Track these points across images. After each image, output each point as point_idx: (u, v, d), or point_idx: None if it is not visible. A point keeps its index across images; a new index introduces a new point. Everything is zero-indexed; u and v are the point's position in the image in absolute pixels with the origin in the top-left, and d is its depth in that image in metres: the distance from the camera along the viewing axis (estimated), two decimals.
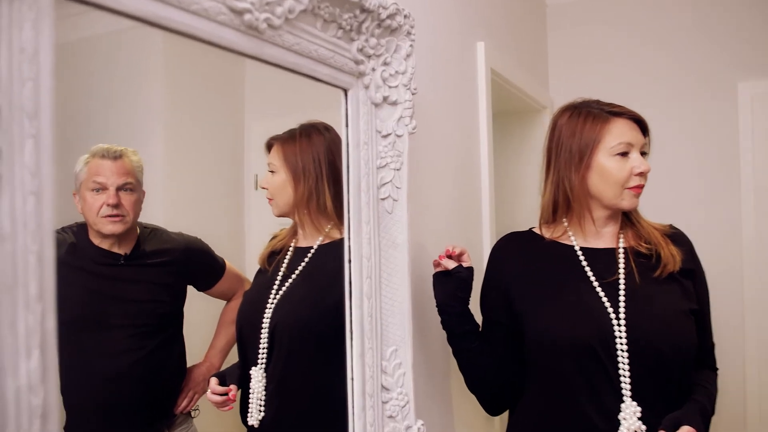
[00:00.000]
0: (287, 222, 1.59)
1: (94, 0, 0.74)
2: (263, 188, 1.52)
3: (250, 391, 1.43)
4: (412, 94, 1.32)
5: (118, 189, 1.72)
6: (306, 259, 1.47)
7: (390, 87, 1.29)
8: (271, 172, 1.52)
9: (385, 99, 1.29)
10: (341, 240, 1.38)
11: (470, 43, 1.99)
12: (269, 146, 1.56)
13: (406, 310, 1.31)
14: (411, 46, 1.31)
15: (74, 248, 1.85)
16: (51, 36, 0.68)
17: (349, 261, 1.24)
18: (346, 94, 1.23)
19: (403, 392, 1.30)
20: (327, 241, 1.47)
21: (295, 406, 1.40)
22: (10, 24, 0.64)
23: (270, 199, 1.51)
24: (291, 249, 1.53)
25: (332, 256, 1.43)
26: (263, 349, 1.42)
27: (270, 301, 1.46)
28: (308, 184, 1.45)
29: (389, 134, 1.30)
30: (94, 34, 2.98)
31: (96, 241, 1.82)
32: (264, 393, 1.41)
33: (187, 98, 3.13)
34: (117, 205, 1.72)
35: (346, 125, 1.24)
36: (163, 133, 3.00)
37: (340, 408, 1.28)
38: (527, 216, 2.69)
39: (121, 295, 1.77)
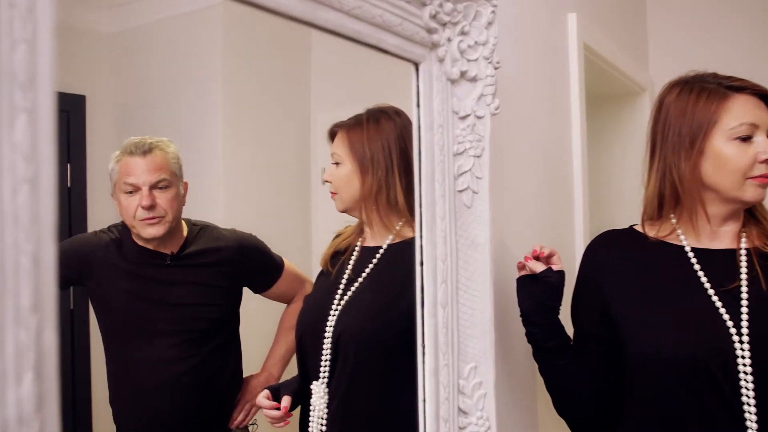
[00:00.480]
0: (354, 219, 1.51)
1: None
2: (326, 182, 1.45)
3: (311, 408, 1.35)
4: (495, 68, 1.20)
5: (152, 188, 1.67)
6: (374, 261, 1.39)
7: (468, 60, 1.17)
8: (335, 163, 1.43)
9: (462, 74, 1.17)
10: (413, 239, 1.29)
11: (560, 13, 1.85)
12: (332, 135, 1.48)
13: (487, 320, 1.19)
14: (493, 12, 1.19)
15: (118, 249, 1.81)
16: None
17: (421, 263, 1.13)
18: (417, 69, 1.12)
19: (484, 416, 1.18)
20: (397, 241, 1.39)
21: (360, 427, 1.33)
22: None
23: (334, 194, 1.44)
24: (357, 249, 1.45)
25: (404, 257, 1.33)
26: (325, 361, 1.34)
27: (333, 307, 1.38)
28: (377, 175, 1.37)
29: (468, 115, 1.18)
30: (150, 21, 2.95)
31: (140, 241, 1.77)
32: (326, 411, 1.33)
33: (248, 86, 3.09)
34: (152, 207, 1.65)
35: (417, 105, 1.13)
36: (222, 123, 2.97)
37: None
38: (626, 212, 2.52)
39: (169, 298, 1.71)
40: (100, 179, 3.22)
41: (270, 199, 3.13)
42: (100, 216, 3.10)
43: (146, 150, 1.69)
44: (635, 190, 2.23)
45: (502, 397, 1.38)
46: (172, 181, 1.72)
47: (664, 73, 2.76)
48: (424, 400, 1.12)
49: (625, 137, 2.65)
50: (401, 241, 1.38)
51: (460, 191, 1.17)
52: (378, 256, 1.40)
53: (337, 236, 1.54)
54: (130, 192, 1.66)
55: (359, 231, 1.47)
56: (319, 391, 1.33)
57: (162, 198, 1.67)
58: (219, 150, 2.95)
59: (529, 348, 1.41)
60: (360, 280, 1.38)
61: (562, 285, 1.36)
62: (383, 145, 1.38)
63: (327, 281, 1.45)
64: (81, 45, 3.27)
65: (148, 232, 1.67)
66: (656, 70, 2.86)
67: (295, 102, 3.31)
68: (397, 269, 1.33)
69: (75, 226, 3.13)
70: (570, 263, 1.63)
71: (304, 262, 3.00)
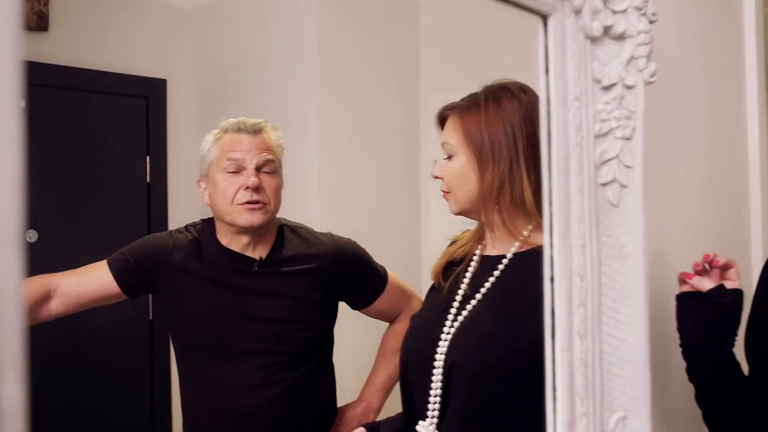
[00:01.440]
0: (473, 222, 1.38)
1: None
2: (436, 178, 1.30)
3: None
4: (650, 22, 1.02)
5: (258, 169, 1.62)
6: (496, 273, 1.26)
7: (614, 12, 1.00)
8: (448, 156, 1.28)
9: (606, 30, 1.00)
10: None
11: None
12: (442, 120, 1.32)
13: (640, 355, 1.01)
14: None
15: (196, 251, 1.74)
16: None
17: (552, 279, 0.97)
18: (545, 23, 0.97)
19: None
20: (525, 249, 1.25)
21: None
22: None
23: (446, 192, 1.29)
24: (475, 258, 1.32)
25: (533, 269, 1.19)
26: (435, 396, 1.22)
27: (445, 330, 1.25)
28: (498, 169, 1.22)
29: (613, 84, 1.01)
30: None
31: (225, 240, 1.70)
32: None
33: (345, 65, 2.99)
34: (258, 189, 1.59)
35: (546, 70, 0.97)
36: (316, 109, 2.89)
37: None
38: None
39: (254, 312, 1.63)
40: (183, 173, 3.25)
41: (371, 198, 3.05)
42: (182, 213, 3.12)
43: (256, 130, 1.69)
44: None
45: None
46: (278, 168, 1.68)
47: None
48: None
49: None
50: (530, 249, 1.24)
51: (604, 185, 1.01)
52: (501, 267, 1.26)
53: (451, 243, 1.41)
54: (232, 171, 1.62)
55: (479, 237, 1.34)
56: None
57: (268, 183, 1.65)
58: (313, 140, 2.89)
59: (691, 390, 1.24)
60: (478, 296, 1.26)
61: (740, 309, 1.19)
62: (506, 131, 1.24)
63: (438, 298, 1.33)
64: (160, 22, 3.29)
65: (246, 218, 1.61)
66: None
67: (400, 82, 3.22)
68: (525, 284, 1.22)
69: (155, 225, 3.16)
70: (746, 278, 1.42)
71: (412, 273, 2.89)
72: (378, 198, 2.98)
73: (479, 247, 1.33)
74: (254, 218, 1.61)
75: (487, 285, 1.26)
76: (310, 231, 1.77)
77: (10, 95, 0.46)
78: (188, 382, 1.74)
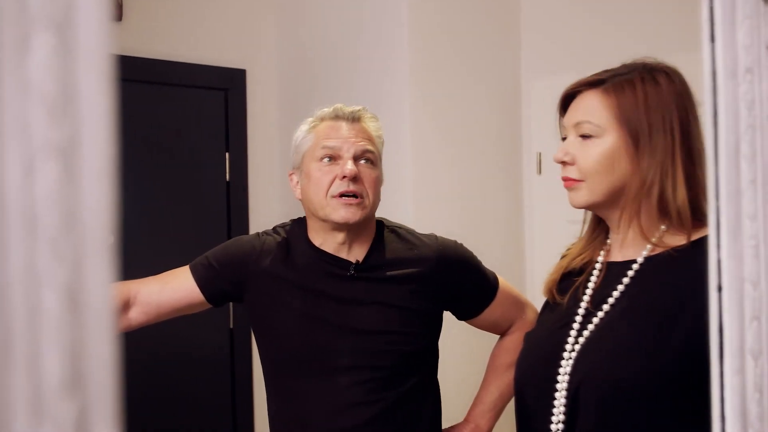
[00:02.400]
0: (574, 231, 1.35)
1: None
2: (563, 163, 1.22)
3: None
4: None
5: (357, 158, 1.56)
6: (625, 281, 1.21)
7: None
8: (584, 136, 1.20)
9: None
10: (683, 249, 1.16)
11: None
12: (569, 99, 1.26)
13: None
14: None
15: (285, 254, 1.70)
16: None
17: (719, 288, 0.88)
18: None
19: None
20: (658, 252, 1.20)
21: None
22: None
23: (575, 180, 1.21)
24: (598, 267, 1.26)
25: (670, 274, 1.17)
26: (557, 423, 1.18)
27: (568, 348, 1.20)
28: (656, 159, 1.16)
29: None
30: None
31: (317, 240, 1.65)
32: None
33: (440, 51, 2.92)
34: (355, 179, 1.54)
35: (712, 38, 0.89)
36: (408, 99, 2.82)
37: None
38: None
39: (350, 322, 1.58)
40: (265, 170, 3.24)
41: (469, 196, 2.98)
42: (264, 213, 3.12)
43: (355, 117, 1.65)
44: None
45: None
46: (377, 159, 1.65)
47: None
48: None
49: None
50: (663, 252, 1.18)
51: None
52: (631, 273, 1.21)
53: (563, 257, 1.36)
54: (328, 161, 1.58)
55: (600, 241, 1.30)
56: None
57: (366, 174, 1.60)
58: (406, 134, 2.84)
59: None
60: (606, 308, 1.21)
61: None
62: (664, 116, 1.18)
63: (557, 313, 1.29)
64: (239, 9, 3.28)
65: (341, 214, 1.57)
66: None
67: (500, 68, 3.15)
68: (661, 291, 1.17)
69: (235, 226, 3.16)
70: None
71: (515, 278, 2.81)
72: (476, 196, 2.91)
73: (601, 252, 1.28)
74: (350, 214, 1.56)
75: (616, 294, 1.20)
76: (411, 232, 1.71)
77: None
78: (278, 398, 1.72)
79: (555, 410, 1.17)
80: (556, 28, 2.99)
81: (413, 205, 2.77)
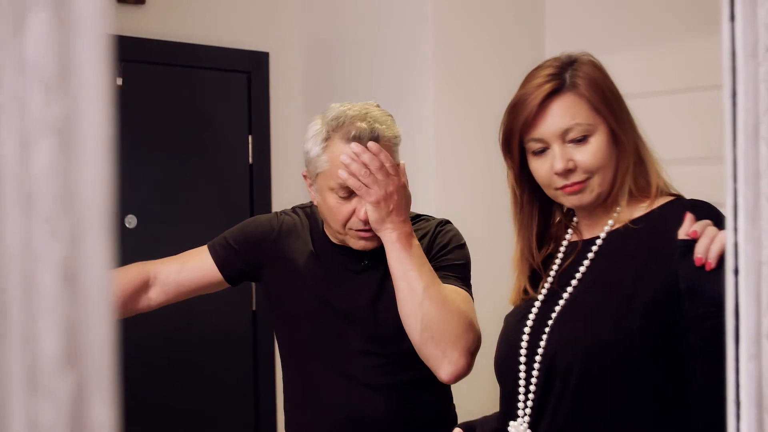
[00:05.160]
0: None
1: None
2: (567, 171, 1.22)
3: None
4: None
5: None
6: (590, 256, 1.25)
7: None
8: (577, 140, 1.21)
9: None
10: (640, 220, 1.21)
11: None
12: (541, 109, 1.24)
13: None
14: None
15: (305, 236, 1.70)
16: None
17: (736, 272, 0.86)
18: None
19: None
20: (617, 227, 1.24)
21: None
22: None
23: (582, 183, 1.22)
24: (565, 244, 1.32)
25: (631, 244, 1.22)
26: (525, 393, 1.23)
27: (541, 320, 1.25)
28: (630, 141, 1.24)
29: None
30: None
31: (335, 237, 1.64)
32: None
33: (464, 35, 2.90)
34: (366, 221, 1.50)
35: (732, 17, 0.86)
36: (432, 83, 2.80)
37: None
38: None
39: (361, 309, 1.59)
40: (288, 152, 3.24)
41: (491, 185, 2.93)
42: (286, 195, 3.12)
43: (372, 137, 1.50)
44: None
45: None
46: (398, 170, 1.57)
47: None
48: None
49: None
50: (622, 226, 1.23)
51: None
52: (594, 249, 1.25)
53: (519, 267, 1.40)
54: (344, 197, 1.51)
55: (566, 219, 1.35)
56: None
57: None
58: (429, 122, 2.83)
59: None
60: (574, 282, 1.25)
61: None
62: (621, 102, 1.25)
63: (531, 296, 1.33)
64: None
65: (360, 244, 1.57)
66: None
67: (524, 55, 3.12)
68: (623, 261, 1.21)
69: (258, 208, 3.17)
70: None
71: None
72: (499, 185, 2.89)
73: (568, 233, 1.32)
74: (369, 244, 1.54)
75: (582, 269, 1.24)
76: (430, 219, 1.70)
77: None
78: (292, 379, 1.73)
79: (532, 382, 1.20)
80: (578, 18, 2.97)
81: (436, 193, 2.76)
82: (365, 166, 1.44)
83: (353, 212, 1.50)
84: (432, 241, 1.63)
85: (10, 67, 0.37)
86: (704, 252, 1.04)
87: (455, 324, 1.44)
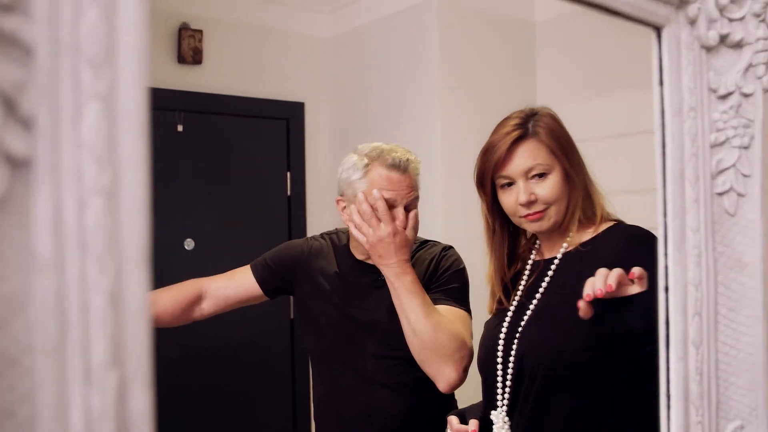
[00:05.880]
0: None
1: None
2: (528, 203, 1.25)
3: None
4: None
5: (408, 208, 1.55)
6: (550, 273, 1.28)
7: (731, 20, 0.91)
8: (538, 176, 1.25)
9: (722, 39, 0.91)
10: (587, 244, 1.24)
11: None
12: (509, 150, 1.28)
13: (759, 365, 0.92)
14: None
15: (330, 258, 1.74)
16: None
17: (666, 289, 0.89)
18: (659, 35, 0.90)
19: None
20: (570, 249, 1.27)
21: None
22: None
23: (540, 213, 1.25)
24: (530, 264, 1.35)
25: (581, 264, 1.23)
26: (507, 387, 1.24)
27: (507, 328, 1.28)
28: (580, 178, 1.28)
29: (730, 93, 0.92)
30: (366, 23, 2.88)
31: (359, 256, 1.68)
32: None
33: (466, 84, 2.93)
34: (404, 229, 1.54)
35: (661, 82, 0.90)
36: (439, 127, 2.84)
37: None
38: None
39: (376, 319, 1.60)
40: (319, 187, 3.29)
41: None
42: (320, 223, 3.16)
43: (405, 167, 1.55)
44: None
45: None
46: (418, 197, 1.60)
47: None
48: None
49: None
50: (574, 248, 1.26)
51: (720, 194, 0.92)
52: (553, 267, 1.27)
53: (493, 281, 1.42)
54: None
55: (531, 243, 1.38)
56: (498, 421, 1.24)
57: (410, 219, 1.57)
58: (436, 156, 2.86)
59: None
60: (538, 295, 1.27)
61: None
62: (573, 147, 1.28)
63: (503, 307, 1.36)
64: (300, 51, 3.34)
65: None
66: None
67: (517, 97, 3.14)
68: (576, 277, 1.19)
69: (295, 233, 3.20)
70: None
71: None
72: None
73: (533, 254, 1.34)
74: None
75: (544, 285, 1.26)
76: (437, 244, 1.72)
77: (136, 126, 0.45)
78: (319, 380, 1.74)
79: (508, 378, 1.22)
80: (563, 65, 2.99)
81: (442, 218, 2.78)
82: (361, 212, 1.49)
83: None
84: (437, 264, 1.64)
85: (71, 146, 0.42)
86: (591, 288, 1.04)
87: (446, 345, 1.44)
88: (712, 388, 0.90)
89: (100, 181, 0.42)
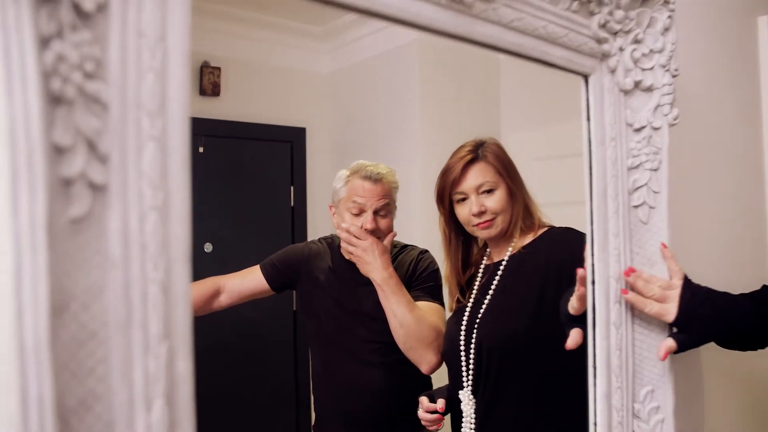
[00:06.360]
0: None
1: None
2: (480, 213, 1.29)
3: (463, 415, 1.27)
4: (672, 76, 1.00)
5: (376, 212, 1.59)
6: (499, 273, 1.30)
7: (643, 69, 0.98)
8: (487, 192, 1.30)
9: (636, 84, 0.98)
10: (527, 247, 1.27)
11: (749, 16, 1.54)
12: (463, 170, 1.33)
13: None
14: (669, 18, 0.98)
15: (327, 259, 1.78)
16: (184, 16, 0.50)
17: (593, 282, 0.94)
18: (586, 81, 0.95)
19: None
20: (514, 252, 1.30)
21: (508, 428, 1.21)
22: (124, 1, 0.47)
23: (489, 221, 1.29)
24: (482, 267, 1.36)
25: (523, 264, 1.27)
26: (470, 368, 1.26)
27: (467, 321, 1.30)
28: (521, 193, 1.31)
29: (643, 127, 0.99)
30: (358, 61, 2.94)
31: (346, 254, 1.73)
32: (474, 416, 1.25)
33: (443, 113, 3.00)
34: (374, 230, 1.58)
35: (588, 118, 0.96)
36: (420, 149, 2.90)
37: None
38: None
39: (364, 309, 1.64)
40: (319, 199, 3.33)
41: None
42: (318, 230, 3.20)
43: (378, 178, 1.61)
44: None
45: (682, 423, 1.14)
46: (391, 208, 1.65)
47: None
48: (596, 424, 0.94)
49: None
50: (517, 251, 1.29)
51: (636, 207, 0.98)
52: (502, 268, 1.30)
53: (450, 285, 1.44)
54: (355, 213, 1.60)
55: (482, 251, 1.39)
56: (465, 399, 1.26)
57: (382, 223, 1.61)
58: (417, 174, 2.91)
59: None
60: (491, 291, 1.29)
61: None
62: (513, 167, 1.32)
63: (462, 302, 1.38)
64: (303, 84, 3.39)
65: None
66: None
67: (484, 124, 3.20)
68: (520, 276, 1.26)
69: (297, 238, 3.24)
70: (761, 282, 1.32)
71: None
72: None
73: (485, 258, 1.36)
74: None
75: (495, 283, 1.28)
76: (414, 248, 1.76)
77: (182, 147, 0.51)
78: (317, 362, 1.76)
79: (470, 362, 1.25)
80: (523, 96, 3.05)
81: (422, 229, 2.82)
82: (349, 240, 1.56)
83: (361, 226, 1.57)
84: (415, 265, 1.68)
85: (135, 175, 0.47)
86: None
87: (427, 335, 1.47)
88: (629, 361, 0.95)
89: (155, 201, 0.48)
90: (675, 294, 0.93)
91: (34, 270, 0.40)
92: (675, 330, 0.95)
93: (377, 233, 1.59)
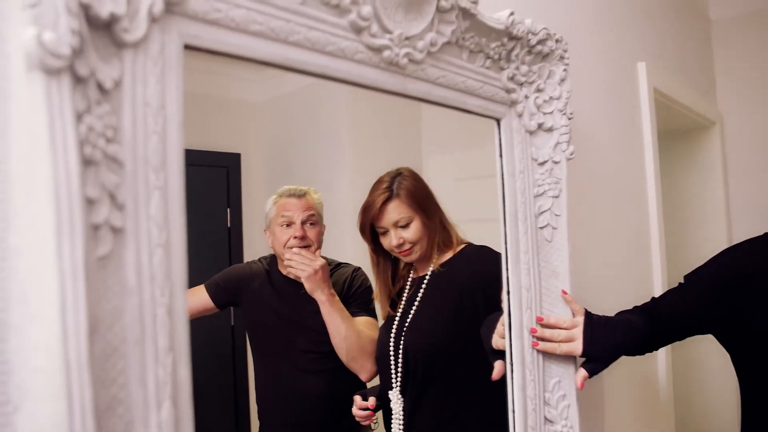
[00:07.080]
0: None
1: (226, 50, 0.64)
2: (400, 244, 1.37)
3: (393, 412, 1.35)
4: (569, 119, 1.14)
5: (303, 222, 1.69)
6: (423, 287, 1.38)
7: (544, 113, 1.11)
8: (403, 226, 1.37)
9: (539, 126, 1.11)
10: (445, 264, 1.34)
11: (630, 63, 1.73)
12: (381, 209, 1.40)
13: None
14: (565, 70, 1.12)
15: (267, 276, 1.84)
16: (178, 89, 0.59)
17: (508, 292, 1.07)
18: (498, 124, 1.07)
19: (568, 424, 1.10)
20: (434, 269, 1.38)
21: (435, 425, 1.29)
22: (134, 79, 0.55)
23: (408, 249, 1.37)
24: (409, 281, 1.44)
25: (442, 280, 1.35)
26: (398, 373, 1.34)
27: (399, 330, 1.38)
28: (435, 221, 1.38)
29: (546, 161, 1.12)
30: (289, 91, 3.02)
31: (284, 270, 1.79)
32: (402, 413, 1.33)
33: (369, 141, 3.11)
34: (303, 237, 1.67)
35: (500, 155, 1.08)
36: (348, 175, 2.99)
37: None
38: (703, 234, 2.32)
39: (303, 321, 1.68)
40: (254, 220, 3.34)
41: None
42: (254, 250, 3.21)
43: (301, 194, 1.73)
44: (711, 216, 2.04)
45: (584, 408, 1.28)
46: (318, 219, 1.73)
47: (731, 106, 2.57)
48: (514, 411, 1.06)
49: (697, 167, 2.45)
50: (436, 269, 1.37)
51: (541, 228, 1.11)
52: (425, 283, 1.37)
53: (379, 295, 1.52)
54: (286, 225, 1.69)
55: (408, 268, 1.45)
56: (394, 398, 1.33)
57: (311, 231, 1.68)
58: (346, 196, 2.99)
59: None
60: (416, 303, 1.37)
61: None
62: (429, 197, 1.39)
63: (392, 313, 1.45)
64: (237, 113, 3.42)
65: (286, 270, 1.67)
66: (724, 106, 2.65)
67: (409, 150, 3.33)
68: (440, 290, 1.34)
69: (234, 258, 3.24)
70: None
71: None
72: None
73: (411, 274, 1.44)
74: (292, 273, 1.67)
75: (419, 297, 1.36)
76: (348, 266, 1.82)
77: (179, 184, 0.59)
78: (260, 370, 1.78)
79: (399, 365, 1.32)
80: (444, 121, 3.18)
81: (352, 246, 2.90)
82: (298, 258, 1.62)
83: (290, 237, 1.64)
84: (351, 282, 1.74)
85: (144, 219, 0.55)
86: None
87: (366, 347, 1.53)
88: (539, 358, 1.08)
89: (160, 239, 0.56)
90: (578, 331, 1.07)
91: (76, 299, 0.48)
92: (584, 359, 1.09)
93: (306, 241, 1.66)
